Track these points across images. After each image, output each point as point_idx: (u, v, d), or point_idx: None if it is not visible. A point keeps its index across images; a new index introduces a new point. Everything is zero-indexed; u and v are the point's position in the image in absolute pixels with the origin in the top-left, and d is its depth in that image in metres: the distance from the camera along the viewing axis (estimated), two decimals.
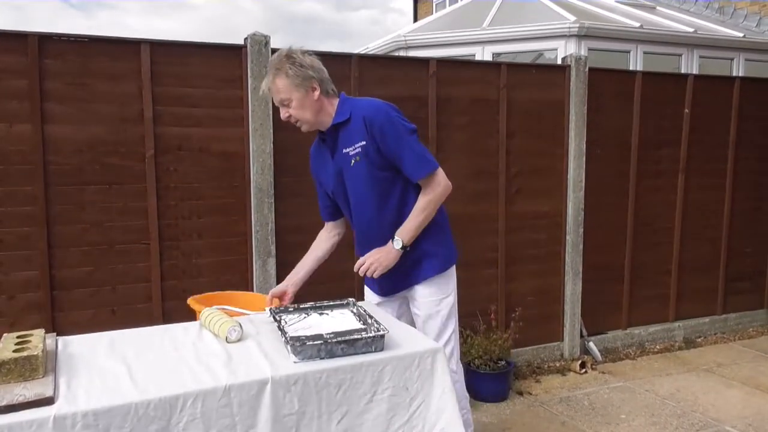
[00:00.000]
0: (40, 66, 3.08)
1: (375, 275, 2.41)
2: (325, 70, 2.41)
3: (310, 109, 2.34)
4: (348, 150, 2.38)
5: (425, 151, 2.41)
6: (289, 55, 2.32)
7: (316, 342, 1.81)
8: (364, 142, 2.34)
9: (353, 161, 2.37)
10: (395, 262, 2.41)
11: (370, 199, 2.42)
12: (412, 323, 2.58)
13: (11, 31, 3.06)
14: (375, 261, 2.40)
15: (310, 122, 2.38)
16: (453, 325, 2.58)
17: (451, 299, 2.56)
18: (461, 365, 2.71)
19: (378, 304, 2.60)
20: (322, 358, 1.81)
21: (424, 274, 2.51)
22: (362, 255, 2.53)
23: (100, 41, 3.22)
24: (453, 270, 2.59)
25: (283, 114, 2.37)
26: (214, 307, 2.23)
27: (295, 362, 1.79)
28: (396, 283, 2.55)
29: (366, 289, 2.74)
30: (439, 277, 2.53)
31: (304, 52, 2.37)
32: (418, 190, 2.43)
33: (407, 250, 2.42)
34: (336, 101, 2.43)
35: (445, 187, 2.42)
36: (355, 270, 2.46)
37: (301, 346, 1.80)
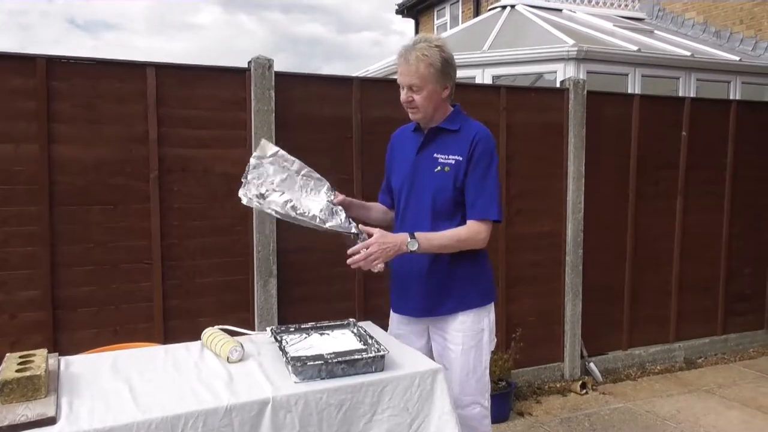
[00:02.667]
0: (48, 88, 3.13)
1: (375, 269, 2.18)
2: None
3: (434, 104, 2.30)
4: (439, 156, 2.33)
5: (495, 199, 2.33)
6: (440, 46, 2.26)
7: (316, 362, 1.82)
8: (460, 158, 2.31)
9: (438, 168, 2.32)
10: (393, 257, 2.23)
11: (430, 210, 2.33)
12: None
13: (20, 54, 3.11)
14: (380, 250, 2.16)
15: (427, 116, 2.32)
16: (487, 359, 2.47)
17: (487, 333, 2.45)
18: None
19: (399, 336, 2.42)
20: (322, 378, 1.82)
21: (469, 302, 2.42)
22: (397, 265, 2.39)
23: (107, 64, 3.27)
24: (492, 306, 2.50)
25: (405, 96, 2.28)
26: (216, 327, 2.25)
27: (295, 382, 1.80)
28: (436, 305, 2.40)
29: (393, 317, 2.57)
30: (480, 309, 2.44)
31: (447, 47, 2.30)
32: None
33: (455, 271, 2.35)
34: (449, 107, 2.39)
35: (482, 241, 2.34)
36: (349, 262, 2.17)
37: (302, 366, 1.81)
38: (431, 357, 2.39)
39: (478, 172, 2.31)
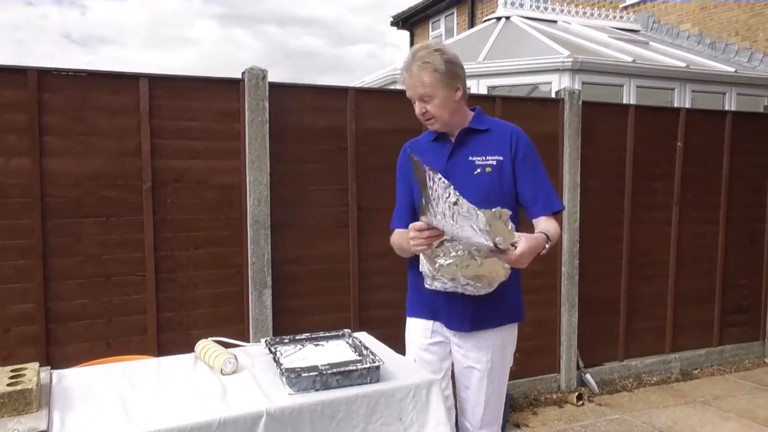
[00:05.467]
0: (39, 100, 3.12)
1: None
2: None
3: (449, 109, 2.19)
4: (476, 159, 2.21)
5: (554, 190, 2.27)
6: (440, 49, 2.16)
7: (311, 373, 1.81)
8: (501, 158, 2.20)
9: (479, 170, 2.20)
10: None
11: None
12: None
13: (10, 66, 3.10)
14: (528, 253, 1.96)
15: (445, 122, 2.21)
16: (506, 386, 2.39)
17: (511, 350, 2.39)
18: None
19: (424, 351, 2.34)
20: (317, 390, 1.81)
21: (518, 316, 2.36)
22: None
23: (99, 76, 3.26)
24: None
25: (419, 109, 2.20)
26: (209, 338, 2.23)
27: (290, 394, 1.79)
28: (494, 316, 2.28)
29: (419, 334, 2.38)
30: (515, 324, 2.38)
31: (447, 48, 2.19)
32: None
33: (507, 284, 2.17)
34: (468, 110, 2.30)
35: (559, 233, 2.27)
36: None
37: (296, 378, 1.80)
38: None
39: (528, 167, 2.22)
